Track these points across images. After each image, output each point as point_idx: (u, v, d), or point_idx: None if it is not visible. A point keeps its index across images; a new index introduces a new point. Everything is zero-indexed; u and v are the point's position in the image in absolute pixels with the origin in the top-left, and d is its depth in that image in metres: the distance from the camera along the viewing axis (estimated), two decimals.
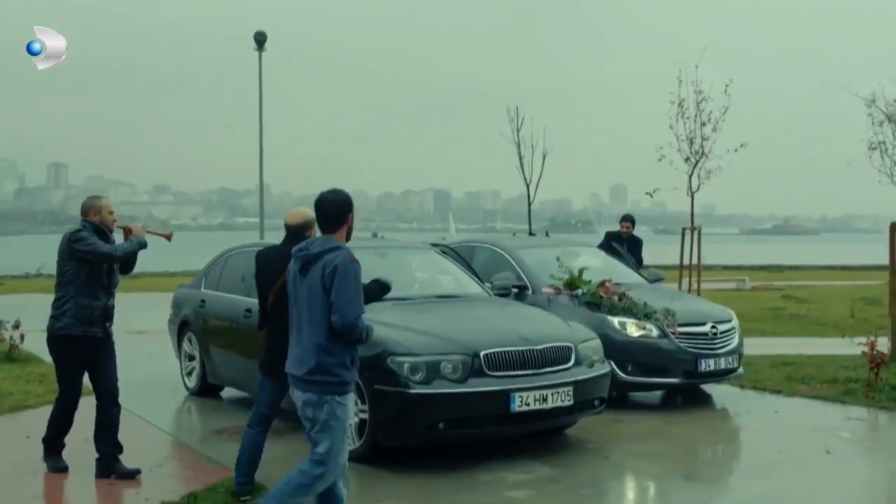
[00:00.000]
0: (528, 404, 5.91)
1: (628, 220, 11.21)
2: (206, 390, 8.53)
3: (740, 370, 8.52)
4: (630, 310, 8.03)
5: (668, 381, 8.07)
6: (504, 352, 5.99)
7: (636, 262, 10.45)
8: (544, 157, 16.32)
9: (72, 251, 5.72)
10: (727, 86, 15.00)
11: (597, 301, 8.11)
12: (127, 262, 5.90)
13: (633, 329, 7.96)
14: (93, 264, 5.74)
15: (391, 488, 5.68)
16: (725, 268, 35.44)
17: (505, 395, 5.86)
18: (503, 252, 9.25)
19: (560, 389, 6.07)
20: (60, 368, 5.87)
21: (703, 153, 15.28)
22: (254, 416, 5.40)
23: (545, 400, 5.99)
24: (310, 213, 5.06)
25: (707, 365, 8.03)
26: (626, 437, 7.11)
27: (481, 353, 5.90)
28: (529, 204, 17.46)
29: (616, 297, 8.13)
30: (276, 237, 6.30)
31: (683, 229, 15.51)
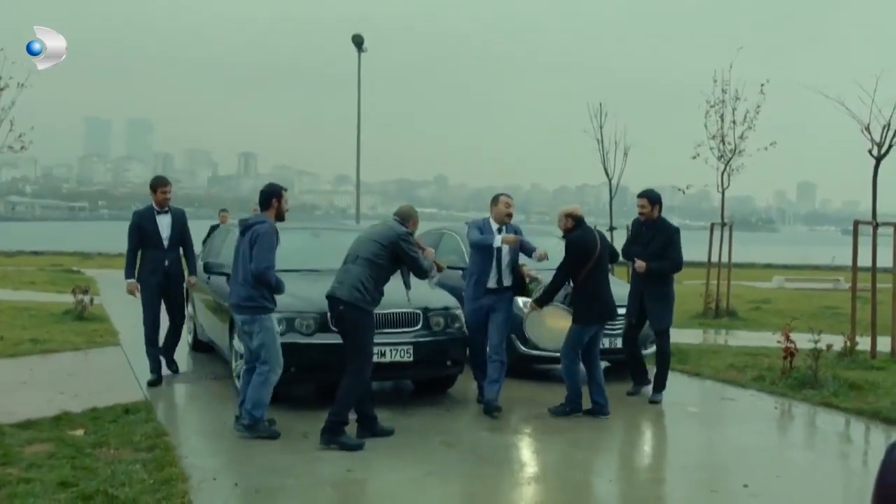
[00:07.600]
0: None
1: (644, 195, 8.14)
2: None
3: (646, 350, 9.25)
4: (533, 292, 8.99)
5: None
6: None
7: (674, 259, 8.17)
8: (626, 154, 16.25)
9: (395, 245, 6.24)
10: (762, 85, 15.37)
11: None
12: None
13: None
14: (391, 263, 6.32)
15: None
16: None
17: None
18: (458, 237, 10.43)
19: (400, 347, 7.29)
20: (363, 337, 6.26)
21: (735, 150, 15.69)
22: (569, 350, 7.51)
23: (384, 355, 7.22)
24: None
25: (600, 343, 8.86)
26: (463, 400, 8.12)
27: (328, 313, 7.22)
28: (611, 198, 18.13)
29: (526, 280, 9.12)
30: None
31: (713, 224, 15.91)
